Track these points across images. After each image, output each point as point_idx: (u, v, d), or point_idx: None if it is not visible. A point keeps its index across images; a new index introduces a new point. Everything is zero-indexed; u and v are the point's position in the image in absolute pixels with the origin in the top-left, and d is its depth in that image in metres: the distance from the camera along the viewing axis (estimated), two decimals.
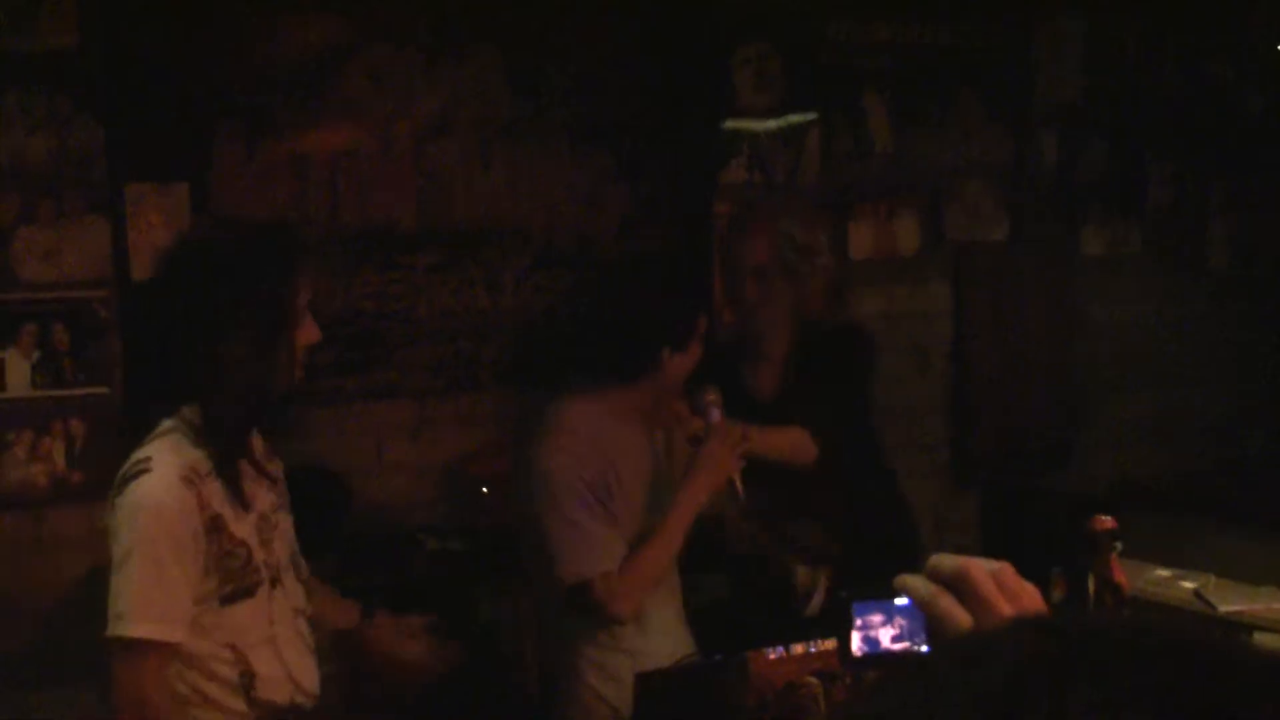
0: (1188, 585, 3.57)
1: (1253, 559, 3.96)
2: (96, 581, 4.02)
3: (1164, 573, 3.69)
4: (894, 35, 5.39)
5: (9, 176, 4.02)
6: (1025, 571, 2.96)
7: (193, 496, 2.39)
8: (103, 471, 4.13)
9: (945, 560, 1.08)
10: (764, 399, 3.52)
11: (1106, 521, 2.79)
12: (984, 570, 1.07)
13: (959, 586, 1.05)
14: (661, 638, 3.05)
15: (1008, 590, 1.06)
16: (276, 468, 2.67)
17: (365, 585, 3.49)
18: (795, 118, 5.26)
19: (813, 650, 2.70)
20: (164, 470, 2.39)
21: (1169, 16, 5.84)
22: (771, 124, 5.22)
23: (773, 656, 2.64)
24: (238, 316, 2.43)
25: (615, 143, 5.01)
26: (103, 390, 4.12)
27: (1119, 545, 2.79)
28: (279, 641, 2.55)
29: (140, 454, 2.44)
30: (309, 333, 2.55)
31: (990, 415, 5.55)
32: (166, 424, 2.47)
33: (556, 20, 4.86)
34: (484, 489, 4.51)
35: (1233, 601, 3.43)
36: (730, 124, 5.15)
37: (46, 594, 4.02)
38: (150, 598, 2.37)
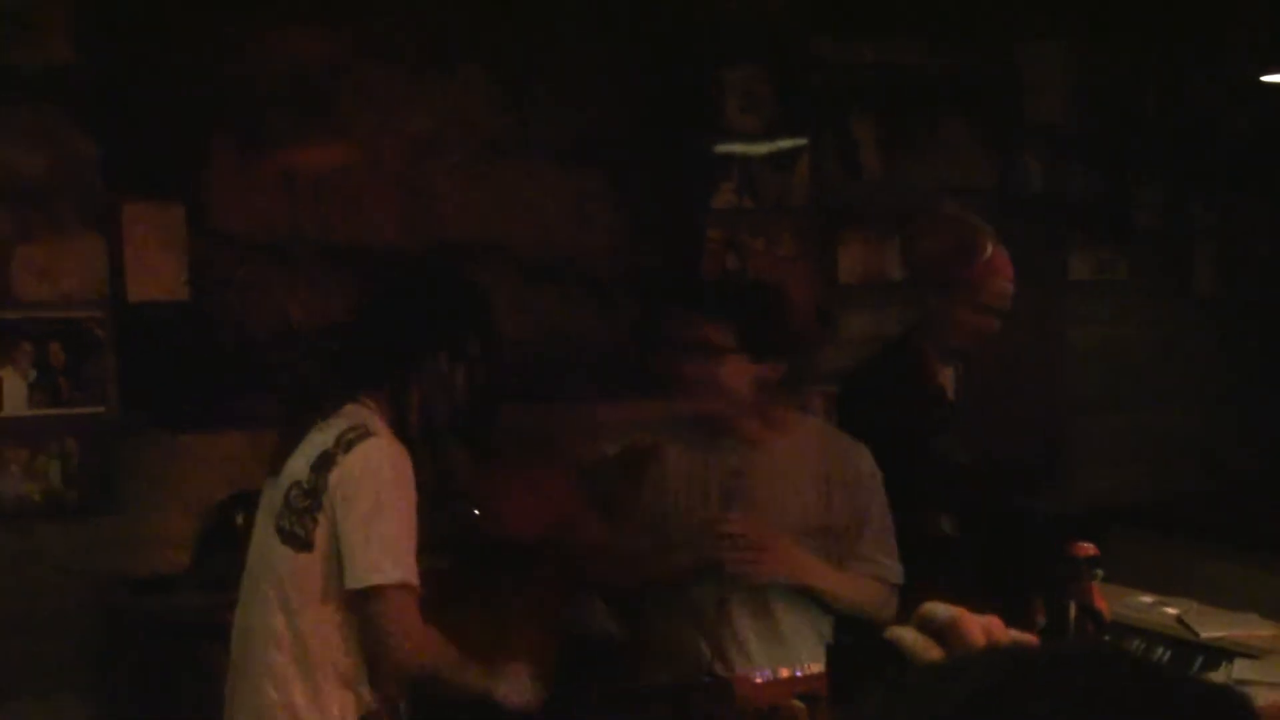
0: (1170, 611, 3.62)
1: (1237, 583, 4.01)
2: (88, 598, 4.07)
3: (1147, 598, 3.73)
4: (881, 58, 5.43)
5: (4, 194, 4.03)
6: (1007, 595, 2.99)
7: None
8: (98, 490, 4.18)
9: (939, 609, 1.11)
10: (948, 400, 3.62)
11: (1087, 548, 2.83)
12: (976, 621, 1.11)
13: (950, 635, 1.09)
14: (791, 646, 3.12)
15: (997, 642, 1.10)
16: None
17: None
18: (784, 141, 5.30)
19: (798, 675, 2.73)
20: (388, 435, 2.63)
21: (1153, 41, 5.89)
22: (760, 147, 5.26)
23: (759, 680, 2.67)
24: (447, 342, 2.74)
25: (604, 161, 5.05)
26: (99, 409, 4.14)
27: (1100, 572, 2.82)
28: None
29: (346, 423, 2.62)
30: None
31: (975, 437, 5.57)
32: (352, 407, 2.67)
33: (546, 39, 4.90)
34: (475, 510, 4.53)
35: (1214, 627, 3.47)
36: (719, 147, 5.19)
37: (39, 610, 4.04)
38: (403, 546, 2.57)
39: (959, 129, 5.62)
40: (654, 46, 5.11)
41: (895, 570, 3.17)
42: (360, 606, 2.57)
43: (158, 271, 4.24)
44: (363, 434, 2.59)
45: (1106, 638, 2.84)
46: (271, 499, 2.68)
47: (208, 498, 4.16)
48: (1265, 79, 4.99)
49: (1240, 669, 3.15)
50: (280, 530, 2.61)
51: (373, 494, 2.55)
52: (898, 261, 5.47)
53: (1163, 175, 6.00)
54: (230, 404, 4.36)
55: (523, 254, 4.90)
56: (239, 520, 4.10)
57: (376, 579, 2.52)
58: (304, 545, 2.58)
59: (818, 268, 5.36)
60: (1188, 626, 3.50)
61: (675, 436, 3.20)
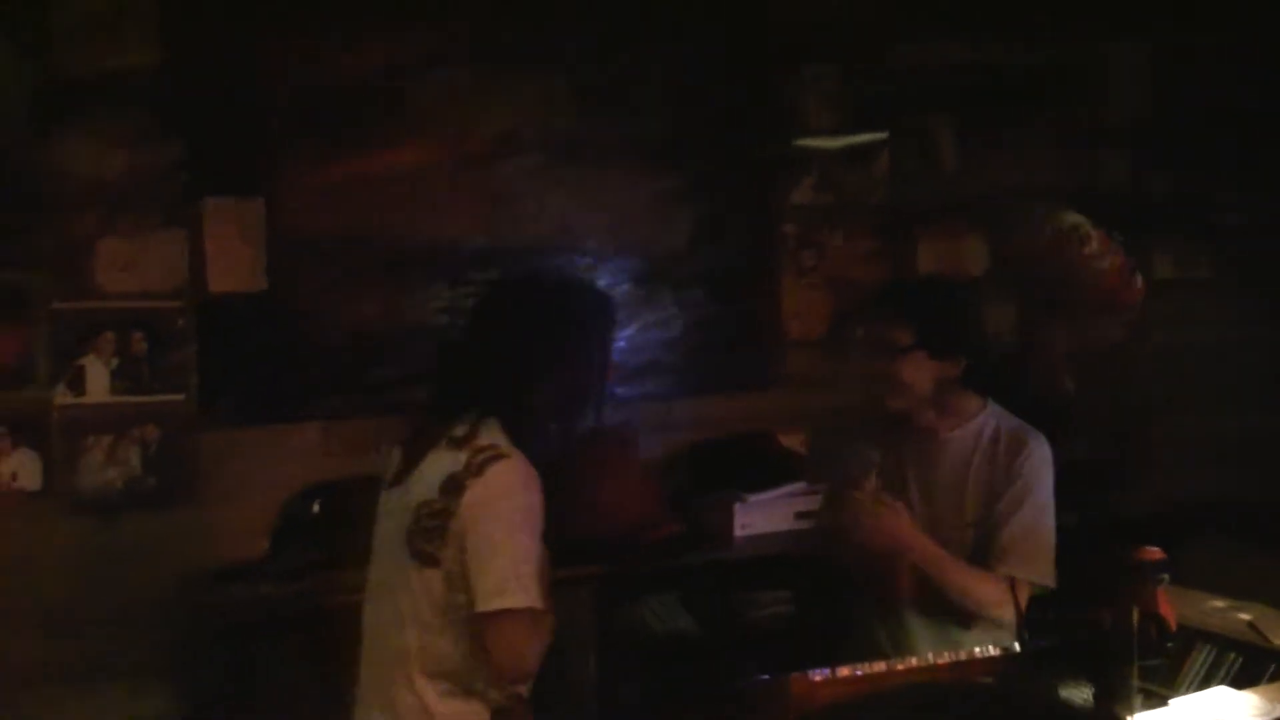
0: (1242, 616, 3.57)
1: None
2: (168, 586, 4.15)
3: (1219, 603, 3.68)
4: (961, 55, 5.40)
5: (90, 190, 4.13)
6: (1080, 597, 2.95)
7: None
8: (177, 477, 4.27)
9: None
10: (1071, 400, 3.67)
11: (1153, 553, 2.80)
12: None
13: None
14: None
15: None
16: None
17: None
18: (863, 137, 5.29)
19: (859, 673, 2.72)
20: (518, 456, 2.61)
21: (1238, 38, 5.79)
22: (839, 143, 5.26)
23: (818, 678, 2.67)
24: (568, 359, 2.72)
25: (683, 161, 5.06)
26: (179, 398, 4.24)
27: (1165, 577, 2.79)
28: None
29: (477, 443, 2.61)
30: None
31: (1052, 438, 5.53)
32: (481, 424, 2.66)
33: (624, 40, 4.92)
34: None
35: None
36: (798, 143, 5.19)
37: (120, 597, 4.13)
38: (530, 569, 2.56)
39: (1039, 126, 5.57)
40: (733, 46, 5.11)
41: (1034, 570, 3.19)
42: (482, 626, 2.58)
43: (237, 263, 4.32)
44: (493, 456, 2.58)
45: (1170, 645, 2.81)
46: (396, 514, 2.70)
47: (285, 488, 4.23)
48: None
49: None
50: (410, 547, 2.64)
51: (503, 518, 2.55)
52: (976, 257, 5.45)
53: (1245, 173, 5.91)
54: (307, 396, 4.43)
55: (602, 254, 4.93)
56: (316, 510, 4.18)
57: (499, 604, 2.53)
58: (433, 562, 2.61)
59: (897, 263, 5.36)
60: (1260, 632, 3.45)
61: (856, 428, 3.26)
